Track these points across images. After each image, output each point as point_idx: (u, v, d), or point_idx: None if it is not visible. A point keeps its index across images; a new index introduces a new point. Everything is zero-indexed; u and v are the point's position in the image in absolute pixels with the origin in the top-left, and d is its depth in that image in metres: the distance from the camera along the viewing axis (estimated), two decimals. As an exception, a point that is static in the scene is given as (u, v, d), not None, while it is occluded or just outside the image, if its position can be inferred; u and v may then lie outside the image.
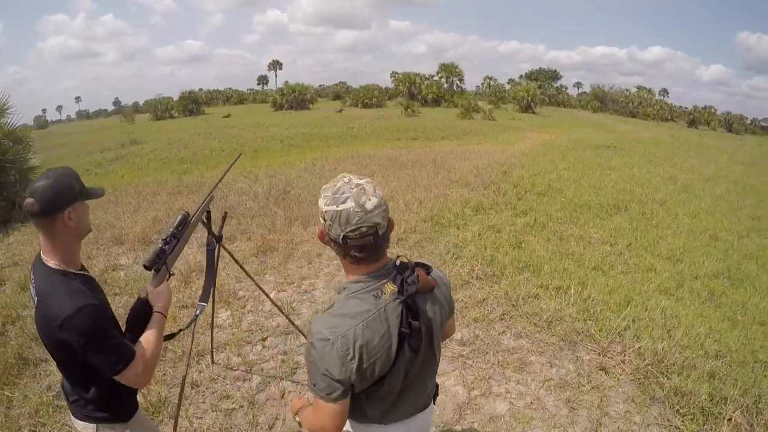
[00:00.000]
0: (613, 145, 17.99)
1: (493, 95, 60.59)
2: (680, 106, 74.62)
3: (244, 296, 4.34)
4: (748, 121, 73.00)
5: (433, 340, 1.39)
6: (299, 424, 1.53)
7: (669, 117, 62.04)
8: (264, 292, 2.99)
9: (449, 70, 53.13)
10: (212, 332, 3.24)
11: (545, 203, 7.96)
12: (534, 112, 43.29)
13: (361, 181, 1.27)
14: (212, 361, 3.33)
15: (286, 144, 18.38)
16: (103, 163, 17.13)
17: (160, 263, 1.71)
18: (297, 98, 41.39)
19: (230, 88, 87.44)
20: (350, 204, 1.21)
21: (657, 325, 3.91)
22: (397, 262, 1.34)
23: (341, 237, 1.24)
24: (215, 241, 2.26)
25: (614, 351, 3.53)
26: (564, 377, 3.26)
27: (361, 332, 1.23)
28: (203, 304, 2.13)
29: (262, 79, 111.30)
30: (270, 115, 36.72)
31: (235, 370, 3.30)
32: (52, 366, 3.15)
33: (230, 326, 3.85)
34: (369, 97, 43.34)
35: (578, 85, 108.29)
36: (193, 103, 43.32)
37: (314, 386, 1.29)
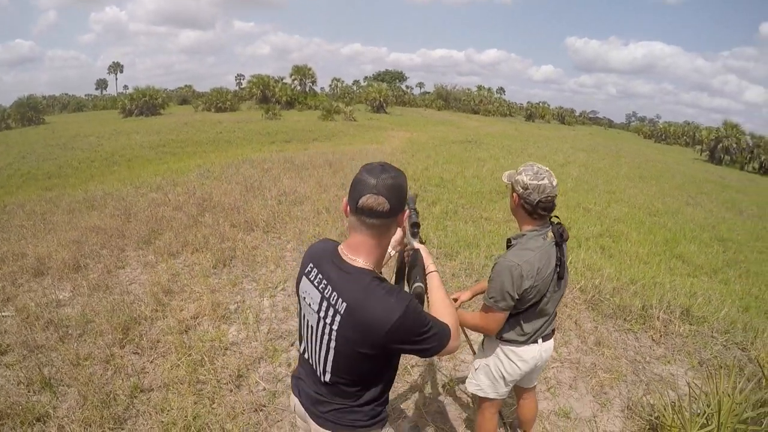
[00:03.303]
0: (474, 141, 20.65)
1: (344, 96, 62.81)
2: (516, 103, 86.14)
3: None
4: (578, 114, 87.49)
5: (566, 277, 2.18)
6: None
7: (508, 113, 71.43)
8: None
9: (303, 72, 53.63)
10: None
11: (447, 193, 9.26)
12: (387, 112, 46.06)
13: (547, 168, 2.05)
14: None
15: (159, 151, 17.60)
16: (-52, 183, 14.50)
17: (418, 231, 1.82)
18: (147, 103, 38.96)
19: (66, 94, 79.01)
20: (546, 181, 1.99)
21: (584, 270, 5.33)
22: (551, 220, 2.14)
23: (537, 201, 2.00)
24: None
25: (565, 291, 4.70)
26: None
27: (538, 259, 2.00)
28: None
29: (102, 83, 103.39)
30: (121, 121, 33.79)
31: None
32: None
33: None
34: (222, 101, 42.10)
35: (421, 85, 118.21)
36: (32, 111, 38.12)
37: (491, 298, 2.04)
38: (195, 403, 3.02)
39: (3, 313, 4.18)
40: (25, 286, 4.77)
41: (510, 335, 2.19)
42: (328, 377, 1.48)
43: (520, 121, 62.09)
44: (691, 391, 2.93)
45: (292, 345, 3.77)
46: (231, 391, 3.18)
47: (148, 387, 3.22)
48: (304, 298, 1.51)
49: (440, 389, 3.37)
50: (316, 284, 1.46)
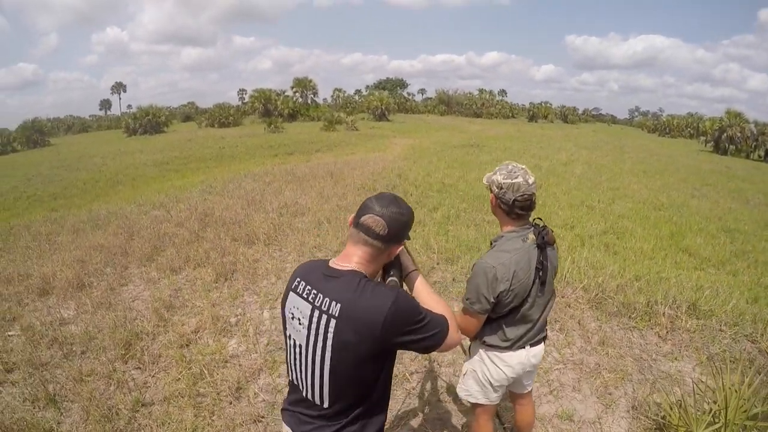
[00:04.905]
0: (476, 144, 20.64)
1: (346, 106, 63.12)
2: (518, 104, 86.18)
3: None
4: (580, 112, 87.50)
5: (550, 282, 2.14)
6: None
7: (510, 114, 71.07)
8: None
9: (303, 84, 54.29)
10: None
11: (448, 198, 9.23)
12: (389, 120, 46.18)
13: (523, 166, 2.04)
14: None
15: (162, 169, 17.87)
16: (-45, 206, 14.76)
17: None
18: (151, 121, 39.72)
19: (71, 115, 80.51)
20: (520, 179, 1.98)
21: (587, 268, 5.25)
22: (534, 222, 2.11)
23: (512, 200, 1.97)
24: None
25: (568, 292, 4.70)
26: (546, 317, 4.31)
27: (515, 261, 1.98)
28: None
29: (105, 104, 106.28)
30: (125, 141, 34.50)
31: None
32: None
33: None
34: (225, 116, 42.63)
35: (422, 91, 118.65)
36: (37, 134, 38.89)
37: (467, 299, 2.03)
38: (195, 416, 3.03)
39: (9, 332, 4.23)
40: (31, 306, 4.84)
41: (492, 340, 2.17)
42: (326, 402, 1.45)
43: (523, 122, 61.95)
44: (696, 388, 2.86)
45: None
46: (230, 403, 3.18)
47: (149, 401, 3.24)
48: (292, 315, 1.48)
49: (439, 396, 3.35)
50: (305, 296, 1.44)
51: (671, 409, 2.86)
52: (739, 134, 35.57)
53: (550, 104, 78.60)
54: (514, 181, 1.97)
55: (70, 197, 14.10)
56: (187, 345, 3.89)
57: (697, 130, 52.92)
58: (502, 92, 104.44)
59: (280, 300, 4.53)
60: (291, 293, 1.50)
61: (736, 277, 6.23)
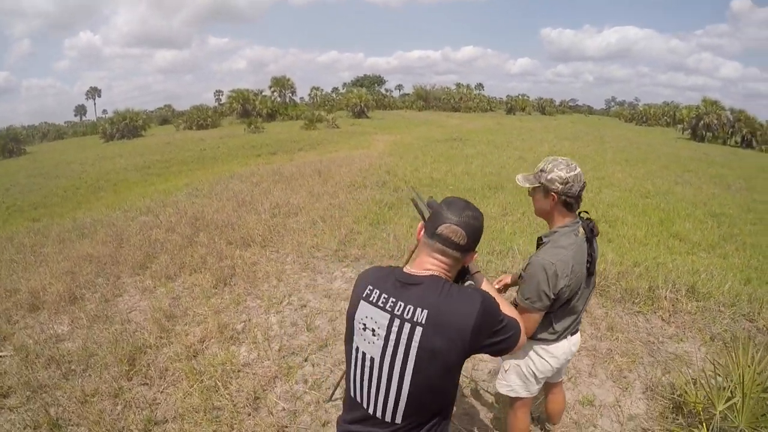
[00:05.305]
0: (458, 138, 20.74)
1: (325, 104, 62.87)
2: (495, 97, 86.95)
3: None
4: (557, 103, 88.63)
5: (595, 273, 2.15)
6: None
7: (488, 108, 71.64)
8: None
9: (282, 83, 53.94)
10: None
11: (439, 192, 9.20)
12: (368, 117, 46.20)
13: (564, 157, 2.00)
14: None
15: (144, 173, 17.49)
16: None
17: None
18: (128, 126, 38.99)
19: (46, 122, 79.39)
20: (579, 169, 1.96)
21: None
22: (580, 215, 2.09)
23: (579, 191, 1.95)
24: None
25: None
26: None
27: (572, 256, 1.95)
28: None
29: (80, 109, 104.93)
30: (103, 146, 33.72)
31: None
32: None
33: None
34: (203, 118, 42.09)
35: (399, 87, 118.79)
36: (12, 143, 37.85)
37: (527, 299, 1.98)
38: (214, 431, 2.92)
39: (1, 353, 4.02)
40: (21, 323, 4.61)
41: (542, 335, 2.16)
42: (399, 417, 1.34)
43: (501, 115, 62.48)
44: (714, 367, 2.95)
45: (305, 360, 3.67)
46: (249, 414, 3.07)
47: (162, 419, 3.09)
48: (364, 326, 1.38)
49: (462, 391, 3.32)
50: (381, 305, 1.35)
51: (687, 386, 2.97)
52: (715, 121, 36.42)
53: (528, 97, 79.52)
54: (576, 172, 1.95)
55: (51, 206, 13.68)
56: (194, 356, 3.75)
57: (673, 118, 54.01)
58: (479, 86, 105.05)
59: (286, 303, 4.48)
60: (362, 302, 1.40)
61: (727, 260, 6.39)
